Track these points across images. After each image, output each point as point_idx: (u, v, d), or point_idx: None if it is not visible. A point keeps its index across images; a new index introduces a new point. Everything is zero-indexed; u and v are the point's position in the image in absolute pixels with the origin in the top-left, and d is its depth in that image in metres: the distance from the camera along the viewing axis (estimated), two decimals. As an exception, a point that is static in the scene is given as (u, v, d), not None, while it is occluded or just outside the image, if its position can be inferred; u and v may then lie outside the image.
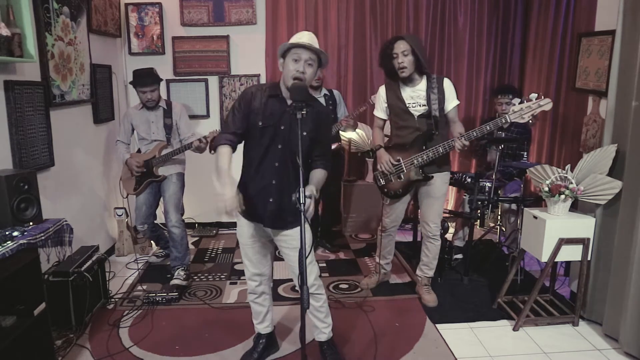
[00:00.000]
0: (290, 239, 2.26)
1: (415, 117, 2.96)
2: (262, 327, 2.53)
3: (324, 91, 3.86)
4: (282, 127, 2.13)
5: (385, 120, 3.16)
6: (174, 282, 3.36)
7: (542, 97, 2.64)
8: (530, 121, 2.73)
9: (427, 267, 3.22)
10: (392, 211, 3.19)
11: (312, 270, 2.29)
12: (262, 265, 2.41)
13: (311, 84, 3.86)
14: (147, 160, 3.48)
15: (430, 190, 3.02)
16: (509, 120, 2.70)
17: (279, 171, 2.17)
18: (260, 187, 2.19)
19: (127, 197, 3.73)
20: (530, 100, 2.64)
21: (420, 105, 2.94)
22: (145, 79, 3.37)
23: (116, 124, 4.18)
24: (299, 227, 2.16)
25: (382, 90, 3.08)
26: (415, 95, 2.95)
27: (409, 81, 2.94)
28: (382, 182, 3.11)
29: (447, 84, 2.94)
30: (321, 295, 2.36)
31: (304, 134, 2.12)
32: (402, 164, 2.99)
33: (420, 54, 2.85)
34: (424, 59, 2.87)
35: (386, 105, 3.06)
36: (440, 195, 3.05)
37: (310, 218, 2.01)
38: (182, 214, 3.53)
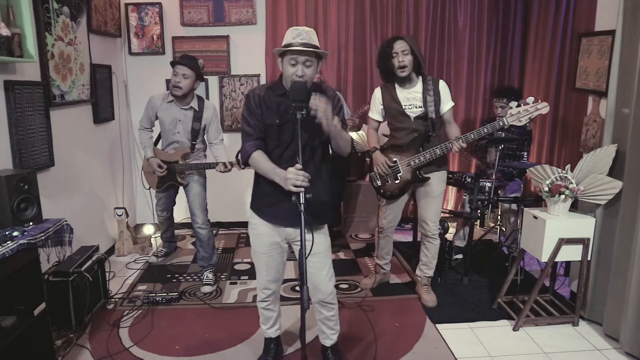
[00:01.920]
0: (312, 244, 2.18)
1: (412, 118, 2.98)
2: (273, 331, 2.50)
3: None
4: (296, 128, 2.03)
5: (379, 122, 3.17)
6: (204, 289, 3.34)
7: (540, 100, 2.69)
8: (528, 124, 2.75)
9: (427, 266, 3.22)
10: (390, 212, 3.18)
11: (331, 281, 2.30)
12: (278, 272, 2.34)
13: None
14: (169, 163, 3.38)
15: (428, 189, 3.03)
16: (506, 123, 2.72)
17: (304, 167, 2.07)
18: (284, 191, 2.02)
19: (149, 189, 3.68)
20: (528, 103, 2.69)
21: (416, 107, 2.96)
22: (182, 59, 3.23)
23: (116, 124, 4.19)
24: (324, 228, 2.20)
25: (377, 92, 3.09)
26: (411, 97, 2.97)
27: (406, 82, 2.96)
28: (379, 183, 3.11)
29: (443, 86, 2.97)
30: (334, 305, 2.36)
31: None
32: (399, 165, 3.00)
33: (418, 54, 2.89)
34: (422, 60, 2.90)
35: (382, 107, 3.07)
36: (438, 195, 3.05)
37: (326, 120, 1.88)
38: (207, 214, 3.49)
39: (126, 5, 4.27)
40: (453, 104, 3.00)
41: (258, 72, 4.46)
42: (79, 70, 3.41)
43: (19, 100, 2.67)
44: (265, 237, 2.23)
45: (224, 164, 3.22)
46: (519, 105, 2.71)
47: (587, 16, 3.38)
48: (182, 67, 3.17)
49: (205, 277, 3.41)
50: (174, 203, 3.75)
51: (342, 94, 4.04)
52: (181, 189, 3.54)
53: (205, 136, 3.45)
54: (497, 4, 4.47)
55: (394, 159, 3.02)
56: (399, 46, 2.86)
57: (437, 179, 3.02)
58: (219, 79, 4.46)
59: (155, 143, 3.61)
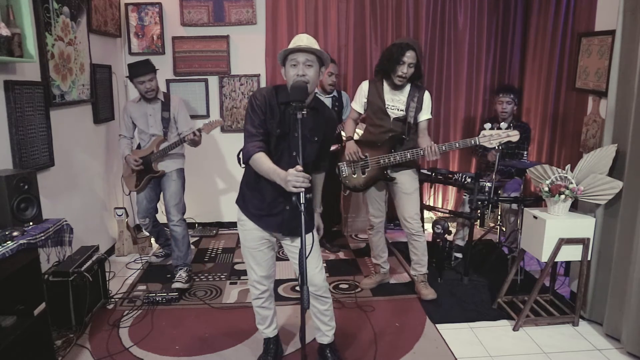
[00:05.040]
0: (312, 245, 2.20)
1: (391, 118, 3.03)
2: (270, 330, 2.50)
3: (333, 92, 3.90)
4: (296, 134, 2.07)
5: (360, 114, 3.19)
6: (175, 285, 3.34)
7: (512, 128, 2.82)
8: (497, 148, 2.95)
9: (419, 264, 3.22)
10: (371, 207, 3.25)
11: (321, 273, 2.28)
12: (270, 268, 2.36)
13: (324, 88, 3.88)
14: (146, 156, 3.47)
15: (401, 187, 3.08)
16: (478, 143, 2.82)
17: None
18: (277, 195, 2.13)
19: (129, 194, 3.73)
20: (501, 128, 2.82)
21: (398, 110, 3.02)
22: (141, 68, 3.35)
23: (116, 124, 4.19)
24: (310, 232, 2.15)
25: (365, 84, 3.13)
26: (396, 99, 3.02)
27: (396, 86, 2.99)
28: (345, 173, 3.17)
29: (427, 97, 3.04)
30: (328, 298, 2.35)
31: (315, 139, 2.15)
32: (369, 160, 3.04)
33: (421, 67, 2.95)
34: (422, 72, 2.98)
35: (365, 100, 3.10)
36: (412, 191, 3.09)
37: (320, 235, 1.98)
38: (183, 213, 3.52)
39: (126, 5, 4.27)
40: (431, 117, 3.09)
41: (258, 72, 4.45)
42: (79, 70, 3.41)
43: (19, 100, 2.67)
44: (253, 232, 2.26)
45: (193, 132, 3.31)
46: (492, 128, 2.83)
47: (587, 16, 3.38)
48: (145, 75, 3.34)
49: (178, 276, 3.40)
50: (156, 210, 3.74)
51: (349, 97, 4.05)
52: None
53: (177, 130, 3.52)
54: (497, 4, 4.47)
55: (365, 154, 3.06)
56: (410, 57, 2.88)
57: (407, 176, 3.07)
58: (219, 79, 4.46)
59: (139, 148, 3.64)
